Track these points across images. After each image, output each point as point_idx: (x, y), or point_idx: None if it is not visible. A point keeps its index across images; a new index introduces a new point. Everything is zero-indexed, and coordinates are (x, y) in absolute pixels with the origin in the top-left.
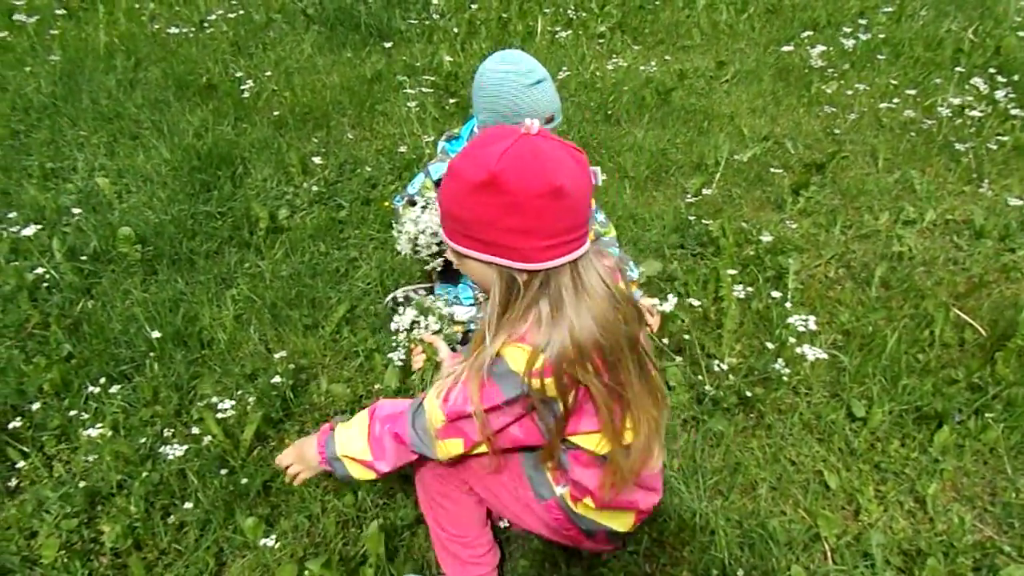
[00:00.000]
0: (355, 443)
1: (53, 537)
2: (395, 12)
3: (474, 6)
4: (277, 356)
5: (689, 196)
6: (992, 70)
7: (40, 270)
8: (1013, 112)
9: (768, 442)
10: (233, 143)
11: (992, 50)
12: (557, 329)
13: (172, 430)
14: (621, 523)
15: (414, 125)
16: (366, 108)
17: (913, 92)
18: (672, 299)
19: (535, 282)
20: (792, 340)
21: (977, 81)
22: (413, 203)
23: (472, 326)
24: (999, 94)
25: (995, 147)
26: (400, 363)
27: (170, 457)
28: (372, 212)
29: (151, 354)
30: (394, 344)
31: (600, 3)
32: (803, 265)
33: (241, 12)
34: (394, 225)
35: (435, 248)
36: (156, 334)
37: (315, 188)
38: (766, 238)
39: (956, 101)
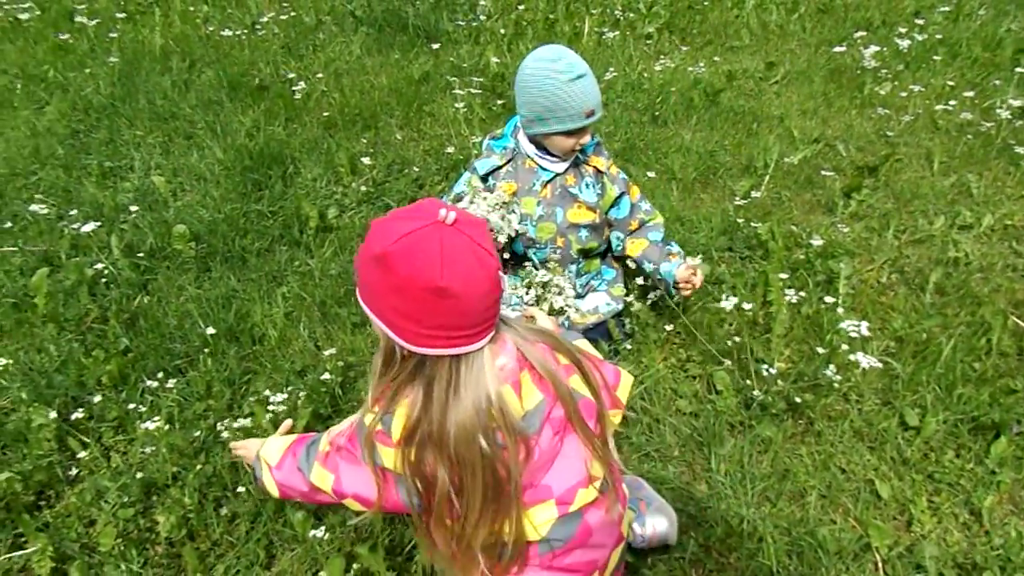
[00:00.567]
0: (275, 445)
1: (110, 526)
2: (442, 14)
3: (521, 7)
4: (326, 353)
5: (738, 199)
6: None
7: (99, 266)
8: None
9: (818, 449)
10: (284, 143)
11: None
12: (426, 416)
13: (223, 424)
14: None
15: (461, 126)
16: (414, 109)
17: (971, 94)
18: (732, 299)
19: (410, 363)
20: (844, 346)
21: None
22: (459, 199)
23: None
24: None
25: None
26: None
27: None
28: None
29: (205, 349)
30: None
31: (648, 3)
32: (855, 270)
33: (292, 14)
34: None
35: None
36: (210, 330)
37: (363, 188)
38: (816, 242)
39: (1016, 103)
